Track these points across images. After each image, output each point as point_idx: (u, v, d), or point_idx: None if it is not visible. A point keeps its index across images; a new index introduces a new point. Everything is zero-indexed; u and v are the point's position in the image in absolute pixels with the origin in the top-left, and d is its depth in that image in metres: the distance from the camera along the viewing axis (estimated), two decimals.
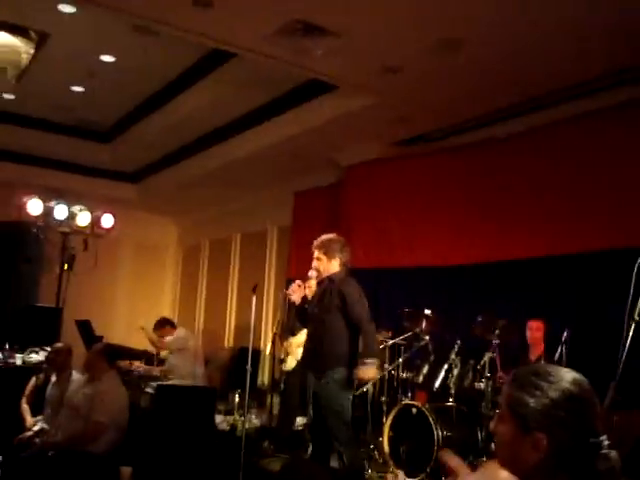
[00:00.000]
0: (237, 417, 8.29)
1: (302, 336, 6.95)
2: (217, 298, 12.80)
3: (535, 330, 6.03)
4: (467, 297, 6.95)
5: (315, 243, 5.12)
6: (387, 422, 5.86)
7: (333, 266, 5.07)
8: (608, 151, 6.38)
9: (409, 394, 6.26)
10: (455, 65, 6.30)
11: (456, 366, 5.87)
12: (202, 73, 8.14)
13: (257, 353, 10.65)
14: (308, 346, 5.20)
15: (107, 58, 7.92)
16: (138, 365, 8.02)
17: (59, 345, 6.17)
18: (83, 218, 9.00)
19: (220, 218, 12.82)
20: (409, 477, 5.49)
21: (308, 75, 7.16)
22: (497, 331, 5.66)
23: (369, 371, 4.79)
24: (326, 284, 5.08)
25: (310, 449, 5.12)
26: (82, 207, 9.02)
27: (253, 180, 10.89)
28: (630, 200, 6.02)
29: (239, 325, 12.19)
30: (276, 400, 8.34)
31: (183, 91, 8.74)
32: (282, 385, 7.29)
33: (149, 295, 13.67)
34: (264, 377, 10.31)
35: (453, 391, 5.83)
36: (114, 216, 8.95)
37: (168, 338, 8.49)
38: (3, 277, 10.38)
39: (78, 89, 8.98)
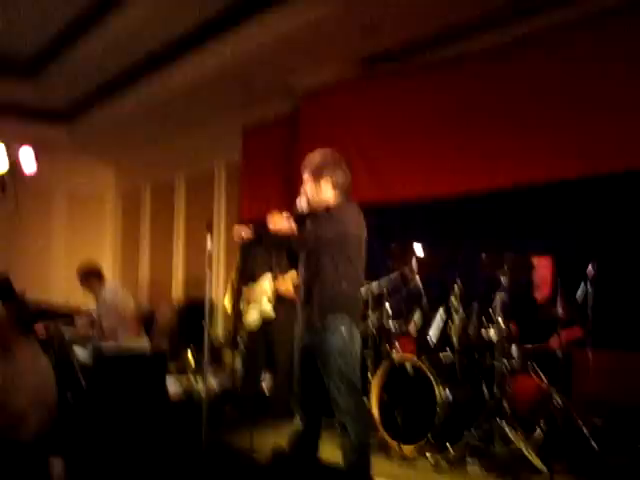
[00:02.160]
0: (192, 379, 7.37)
1: (266, 282, 6.02)
2: (162, 247, 11.76)
3: (542, 267, 5.16)
4: (459, 232, 6.01)
5: (302, 164, 4.08)
6: (375, 381, 4.95)
7: (325, 191, 3.98)
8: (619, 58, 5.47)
9: (396, 346, 5.30)
10: None
11: (457, 311, 4.95)
12: None
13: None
14: (301, 291, 4.11)
15: None
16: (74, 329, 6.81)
17: None
18: None
19: (161, 159, 11.69)
20: (406, 444, 4.63)
21: None
22: (505, 267, 4.69)
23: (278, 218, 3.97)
24: (322, 214, 4.02)
25: (300, 424, 4.02)
26: None
27: (197, 113, 9.76)
28: None
29: (188, 276, 11.21)
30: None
31: (113, 9, 7.53)
32: (243, 341, 6.33)
33: (87, 247, 12.45)
34: (218, 332, 9.36)
35: (455, 341, 4.91)
36: (34, 151, 7.65)
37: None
38: None
39: None
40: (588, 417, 4.65)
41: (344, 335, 3.77)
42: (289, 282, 5.93)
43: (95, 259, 12.28)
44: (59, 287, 11.14)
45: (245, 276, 6.14)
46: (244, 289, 6.12)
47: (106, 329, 6.49)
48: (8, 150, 7.51)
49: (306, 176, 4.02)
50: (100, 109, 10.33)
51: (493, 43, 6.50)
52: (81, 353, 5.92)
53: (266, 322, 6.06)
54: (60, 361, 5.64)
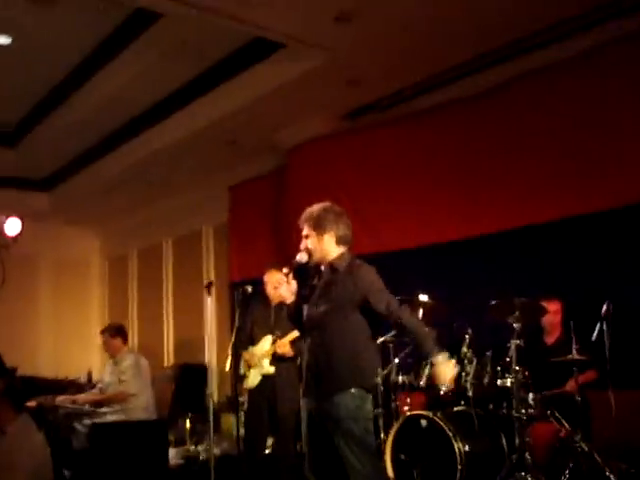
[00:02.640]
0: (191, 447, 7.12)
1: (266, 344, 5.85)
2: (151, 312, 11.53)
3: (553, 314, 5.06)
4: (462, 279, 5.91)
5: (301, 218, 3.89)
6: (389, 440, 4.76)
7: (328, 245, 3.80)
8: (600, 98, 5.49)
9: (407, 402, 5.12)
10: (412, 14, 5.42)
11: (470, 361, 4.80)
12: (115, 49, 6.87)
13: (204, 370, 9.54)
14: (308, 363, 3.83)
15: (1, 39, 6.57)
16: (63, 399, 6.52)
17: None
18: None
19: (147, 223, 11.57)
20: None
21: (250, 32, 6.04)
22: (517, 313, 4.56)
23: (447, 369, 3.58)
24: (326, 275, 3.82)
25: None
26: None
27: (182, 175, 9.69)
28: None
29: (179, 340, 10.99)
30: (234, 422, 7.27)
31: (94, 75, 7.45)
32: (245, 404, 6.12)
33: (75, 315, 12.31)
34: (214, 396, 9.10)
35: (471, 393, 4.74)
36: (21, 220, 7.53)
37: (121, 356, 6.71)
38: None
39: None
40: (612, 462, 4.50)
41: (357, 402, 3.57)
42: (288, 344, 5.75)
43: (83, 326, 12.28)
44: (47, 357, 10.99)
45: (244, 338, 5.96)
46: (244, 353, 5.94)
47: (120, 394, 6.27)
48: None
49: (307, 231, 3.84)
50: (82, 175, 10.15)
51: (477, 89, 6.55)
52: (81, 428, 5.68)
53: (266, 381, 5.86)
54: (56, 437, 5.41)
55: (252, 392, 5.96)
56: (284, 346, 5.72)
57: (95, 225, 12.61)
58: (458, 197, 6.35)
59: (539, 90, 5.98)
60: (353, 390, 3.54)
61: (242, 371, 5.95)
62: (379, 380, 4.77)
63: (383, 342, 5.25)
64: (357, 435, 3.54)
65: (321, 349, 3.70)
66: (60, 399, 6.41)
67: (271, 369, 5.77)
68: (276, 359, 5.79)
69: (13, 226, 7.58)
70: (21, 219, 7.68)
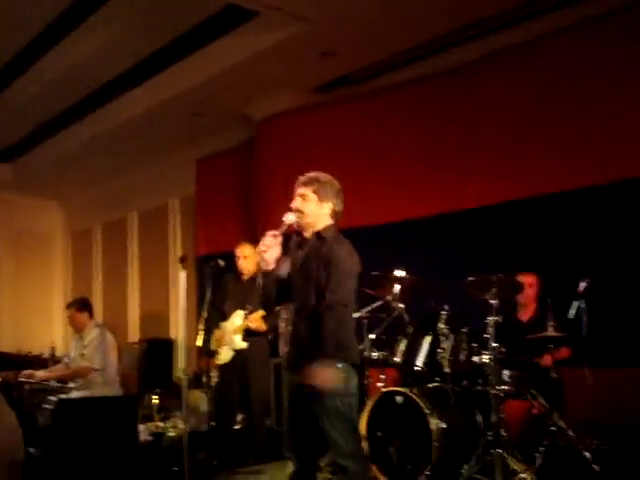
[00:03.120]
0: (159, 424, 7.01)
1: (238, 319, 5.74)
2: (116, 287, 11.38)
3: (528, 287, 5.02)
4: (438, 254, 5.87)
5: (302, 179, 3.68)
6: (363, 416, 4.69)
7: (323, 214, 3.63)
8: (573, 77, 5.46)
9: (381, 378, 5.07)
10: None
11: (446, 337, 4.74)
12: (81, 16, 6.62)
13: (170, 345, 9.43)
14: (292, 336, 3.69)
15: None
16: (28, 374, 6.32)
17: None
18: None
19: (112, 196, 11.37)
20: None
21: None
22: (494, 289, 4.51)
23: (330, 373, 3.38)
24: (312, 244, 3.63)
25: (293, 469, 3.70)
26: None
27: (148, 148, 9.51)
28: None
29: (145, 315, 10.83)
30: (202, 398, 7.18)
31: (58, 43, 7.20)
32: (215, 380, 6.02)
33: (38, 290, 12.12)
34: (185, 372, 9.00)
35: (447, 369, 4.70)
36: None
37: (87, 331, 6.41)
38: None
39: None
40: (586, 439, 4.51)
41: (341, 371, 3.44)
42: (260, 319, 5.65)
43: (46, 301, 12.05)
44: (8, 332, 10.83)
45: (215, 313, 5.84)
46: (215, 329, 5.82)
47: (84, 369, 6.11)
48: None
49: (306, 192, 3.63)
50: (45, 146, 9.94)
51: (452, 64, 6.49)
52: (46, 404, 5.52)
53: (238, 356, 5.77)
54: (21, 413, 5.25)
55: (223, 368, 5.85)
56: (256, 321, 5.63)
57: (58, 198, 12.40)
58: (432, 172, 6.29)
59: (513, 66, 5.95)
60: (339, 365, 3.42)
61: (213, 347, 5.85)
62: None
63: (358, 318, 5.18)
64: (341, 411, 3.44)
65: (303, 322, 3.57)
66: (25, 374, 6.24)
67: (243, 344, 5.67)
68: (248, 334, 5.71)
69: None
70: None
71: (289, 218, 3.59)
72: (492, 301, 4.48)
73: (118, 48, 7.03)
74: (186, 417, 4.87)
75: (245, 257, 5.77)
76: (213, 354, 5.84)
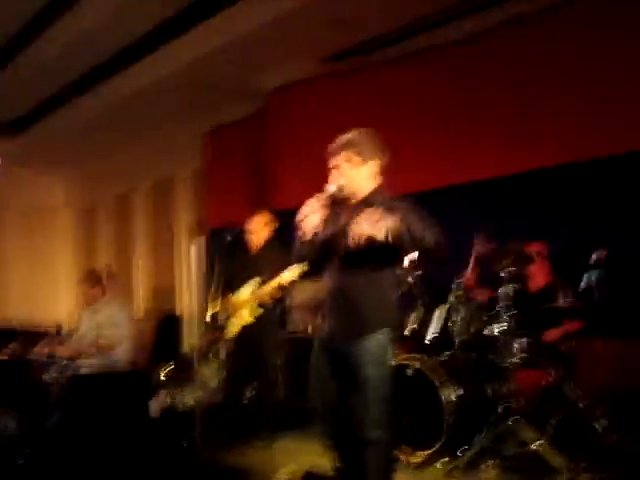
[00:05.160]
0: (168, 399, 7.01)
1: (246, 293, 5.72)
2: (122, 260, 11.34)
3: (537, 255, 4.93)
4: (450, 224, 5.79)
5: (339, 142, 3.40)
6: None
7: (365, 177, 3.37)
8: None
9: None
10: None
11: (457, 310, 4.69)
12: None
13: (177, 319, 9.42)
14: (331, 305, 3.46)
15: None
16: (40, 350, 6.21)
17: None
18: None
19: (119, 169, 11.28)
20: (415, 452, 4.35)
21: None
22: (508, 260, 4.43)
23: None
24: (359, 211, 3.23)
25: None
26: None
27: (156, 119, 9.40)
28: None
29: (152, 290, 10.83)
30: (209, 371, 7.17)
31: (65, 13, 7.13)
32: (223, 353, 6.02)
33: (44, 266, 12.12)
34: (194, 346, 9.01)
35: (457, 340, 4.65)
36: None
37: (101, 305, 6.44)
38: None
39: None
40: (596, 410, 4.48)
41: (383, 348, 3.32)
42: (268, 296, 5.60)
43: (51, 277, 12.03)
44: (15, 308, 10.80)
45: (224, 287, 5.80)
46: (223, 302, 5.79)
47: (102, 343, 6.11)
48: None
49: (344, 156, 3.40)
50: (51, 119, 9.85)
51: (465, 34, 6.36)
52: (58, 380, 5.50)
53: (246, 329, 5.74)
54: (32, 389, 5.27)
55: (231, 341, 5.85)
56: (265, 295, 5.59)
57: (65, 172, 12.32)
58: (443, 144, 6.21)
59: (527, 36, 5.81)
60: (380, 332, 3.29)
61: (221, 320, 5.83)
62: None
63: None
64: (379, 380, 3.33)
65: (349, 290, 3.38)
66: (38, 349, 6.19)
67: (250, 318, 5.66)
68: (256, 307, 5.68)
69: None
70: None
71: (331, 187, 3.40)
72: (505, 272, 4.42)
73: (125, 19, 6.95)
74: (196, 391, 4.83)
75: (254, 231, 5.74)
76: (222, 328, 5.84)
